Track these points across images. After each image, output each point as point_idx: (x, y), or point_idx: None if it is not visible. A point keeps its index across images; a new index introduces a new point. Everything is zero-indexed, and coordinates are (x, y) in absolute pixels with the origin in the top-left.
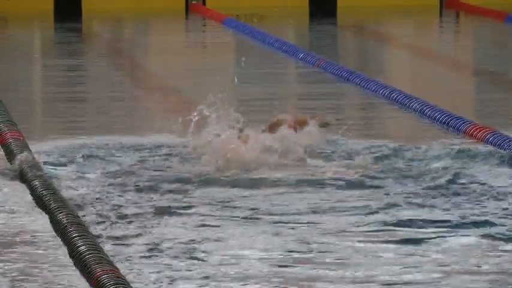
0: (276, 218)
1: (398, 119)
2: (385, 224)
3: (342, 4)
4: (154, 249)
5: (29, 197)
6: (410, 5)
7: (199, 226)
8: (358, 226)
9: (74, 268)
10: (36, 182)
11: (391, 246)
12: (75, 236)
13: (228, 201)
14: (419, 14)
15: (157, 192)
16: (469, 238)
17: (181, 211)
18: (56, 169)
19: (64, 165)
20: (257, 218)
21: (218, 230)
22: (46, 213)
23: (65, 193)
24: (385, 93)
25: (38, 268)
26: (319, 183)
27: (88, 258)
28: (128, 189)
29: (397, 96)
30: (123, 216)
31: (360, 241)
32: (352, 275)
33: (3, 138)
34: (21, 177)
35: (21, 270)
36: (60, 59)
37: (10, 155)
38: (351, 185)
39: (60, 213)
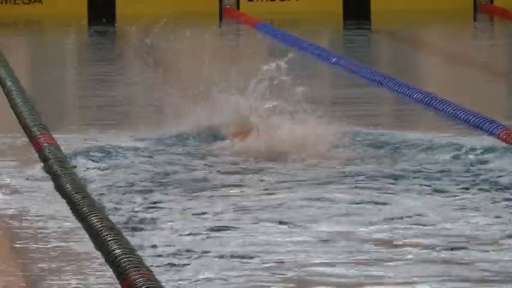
0: None
1: (431, 123)
2: None
3: (376, 8)
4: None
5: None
6: (443, 9)
7: None
8: None
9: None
10: (68, 186)
11: None
12: (110, 240)
13: None
14: (452, 18)
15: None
16: None
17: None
18: (89, 171)
19: (98, 169)
20: None
21: None
22: (79, 219)
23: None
24: (418, 98)
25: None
26: None
27: (123, 261)
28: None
29: (430, 101)
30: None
31: None
32: None
33: (36, 143)
34: (53, 179)
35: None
36: (93, 62)
37: (43, 159)
38: None
39: (94, 217)
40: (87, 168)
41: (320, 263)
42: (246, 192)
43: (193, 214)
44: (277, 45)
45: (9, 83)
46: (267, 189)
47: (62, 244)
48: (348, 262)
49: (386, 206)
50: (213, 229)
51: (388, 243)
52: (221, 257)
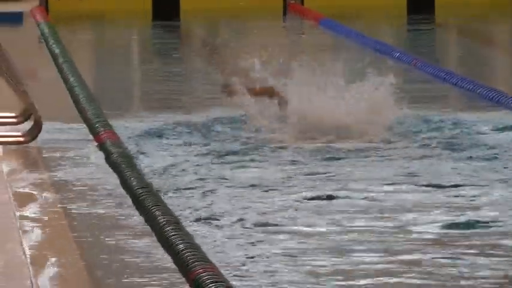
0: None
1: (496, 119)
2: None
3: (440, 2)
4: None
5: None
6: (508, 2)
7: None
8: None
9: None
10: (134, 180)
11: None
12: (173, 235)
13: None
14: None
15: None
16: None
17: None
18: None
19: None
20: None
21: None
22: (141, 212)
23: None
24: (482, 93)
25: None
26: None
27: (187, 256)
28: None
29: (495, 96)
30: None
31: None
32: None
33: (99, 138)
34: (116, 171)
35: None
36: (157, 58)
37: (106, 154)
38: None
39: (157, 210)
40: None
41: None
42: None
43: None
44: (340, 41)
45: (71, 78)
46: None
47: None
48: None
49: None
50: None
51: None
52: None
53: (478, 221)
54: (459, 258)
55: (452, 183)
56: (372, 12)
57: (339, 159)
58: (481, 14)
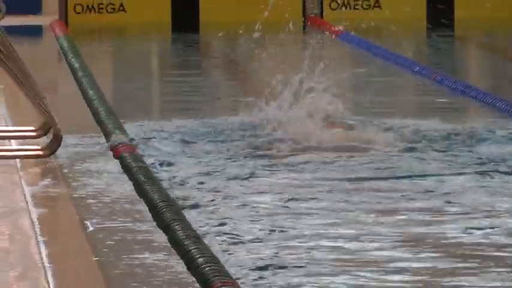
0: None
1: None
2: None
3: (460, 16)
4: None
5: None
6: None
7: None
8: None
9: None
10: (155, 194)
11: None
12: (193, 249)
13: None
14: None
15: None
16: None
17: None
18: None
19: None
20: None
21: None
22: (162, 228)
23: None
24: (501, 107)
25: None
26: None
27: (206, 270)
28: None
29: None
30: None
31: None
32: None
33: (118, 151)
34: (135, 185)
35: None
36: (176, 70)
37: (125, 167)
38: None
39: (177, 225)
40: None
41: None
42: None
43: None
44: (360, 54)
45: (91, 92)
46: None
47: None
48: None
49: None
50: None
51: None
52: None
53: None
54: None
55: None
56: (392, 27)
57: None
58: (501, 29)
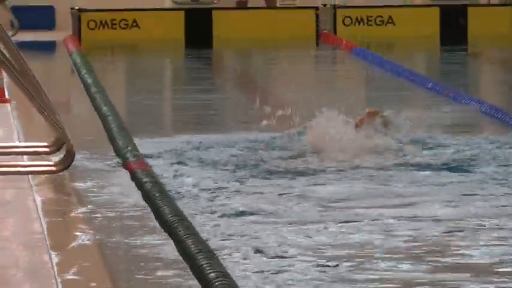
0: None
1: None
2: None
3: (473, 33)
4: None
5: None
6: None
7: None
8: None
9: None
10: (166, 208)
11: None
12: (205, 264)
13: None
14: None
15: None
16: None
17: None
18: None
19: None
20: None
21: None
22: (174, 240)
23: None
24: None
25: None
26: None
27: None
28: None
29: None
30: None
31: None
32: None
33: (130, 167)
34: (147, 200)
35: None
36: (189, 87)
37: (137, 183)
38: None
39: (189, 239)
40: None
41: None
42: None
43: None
44: (373, 70)
45: (104, 108)
46: None
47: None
48: None
49: None
50: None
51: None
52: None
53: None
54: None
55: None
56: (405, 43)
57: None
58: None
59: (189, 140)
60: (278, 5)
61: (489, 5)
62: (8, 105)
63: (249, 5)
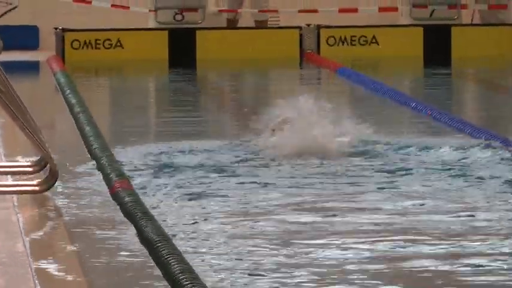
0: None
1: None
2: None
3: (457, 55)
4: None
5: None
6: None
7: None
8: None
9: None
10: (148, 228)
11: None
12: (188, 284)
13: None
14: None
15: None
16: None
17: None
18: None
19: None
20: None
21: None
22: (157, 263)
23: None
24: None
25: None
26: None
27: None
28: None
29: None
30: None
31: None
32: None
33: (113, 188)
34: (131, 220)
35: None
36: (173, 107)
37: (120, 204)
38: None
39: (173, 260)
40: None
41: None
42: None
43: None
44: (357, 90)
45: (87, 128)
46: None
47: None
48: None
49: None
50: None
51: None
52: None
53: None
54: None
55: None
56: (389, 63)
57: None
58: (498, 67)
59: (173, 161)
60: (268, 25)
61: (473, 24)
62: None
63: (239, 25)
